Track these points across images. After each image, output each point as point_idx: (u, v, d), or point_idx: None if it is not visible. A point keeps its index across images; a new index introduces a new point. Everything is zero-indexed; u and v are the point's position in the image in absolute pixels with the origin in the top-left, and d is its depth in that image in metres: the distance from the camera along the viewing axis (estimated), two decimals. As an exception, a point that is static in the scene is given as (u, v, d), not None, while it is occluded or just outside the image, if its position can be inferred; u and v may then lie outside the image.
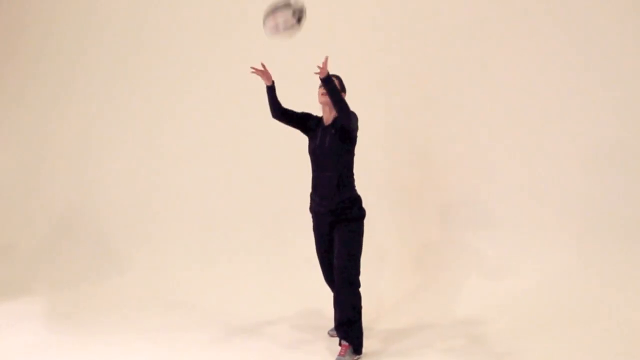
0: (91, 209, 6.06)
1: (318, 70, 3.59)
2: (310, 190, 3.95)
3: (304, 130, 4.01)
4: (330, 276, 3.92)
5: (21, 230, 6.19)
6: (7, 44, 6.57)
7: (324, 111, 3.91)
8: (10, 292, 5.32)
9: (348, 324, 3.73)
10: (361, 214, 3.82)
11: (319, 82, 3.77)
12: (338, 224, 3.79)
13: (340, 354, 3.73)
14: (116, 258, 5.75)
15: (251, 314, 4.68)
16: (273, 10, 3.61)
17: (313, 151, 3.90)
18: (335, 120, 3.82)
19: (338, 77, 3.86)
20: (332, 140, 3.78)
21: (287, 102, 5.40)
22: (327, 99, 3.74)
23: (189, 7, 5.94)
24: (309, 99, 5.35)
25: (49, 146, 6.36)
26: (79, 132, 6.26)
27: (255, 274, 5.26)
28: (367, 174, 4.35)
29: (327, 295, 4.08)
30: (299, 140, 5.40)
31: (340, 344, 3.81)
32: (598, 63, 4.72)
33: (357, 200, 3.84)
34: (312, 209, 3.95)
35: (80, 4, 6.33)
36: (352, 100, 3.86)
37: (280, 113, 3.97)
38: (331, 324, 4.11)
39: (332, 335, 4.15)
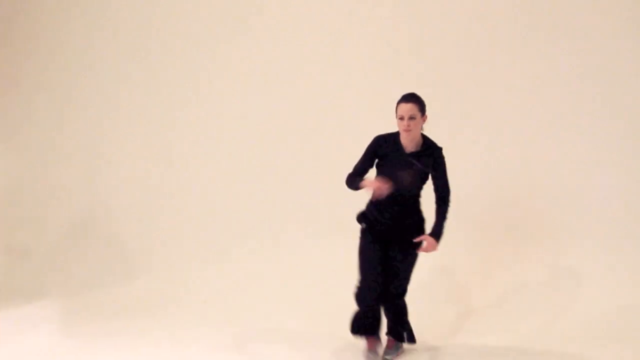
0: (104, 213, 6.04)
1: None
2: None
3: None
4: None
5: (34, 235, 6.17)
6: (17, 49, 6.53)
7: (403, 137, 3.63)
8: (25, 296, 5.30)
9: None
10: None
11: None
12: None
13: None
14: (129, 262, 5.72)
15: (264, 318, 4.65)
16: None
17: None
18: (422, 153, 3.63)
19: (421, 102, 3.63)
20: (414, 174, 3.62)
21: (295, 102, 5.52)
22: (411, 130, 3.56)
23: (196, 14, 5.88)
24: (314, 101, 5.47)
25: (61, 151, 6.32)
26: (91, 137, 6.22)
27: (269, 278, 5.21)
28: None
29: (340, 299, 4.07)
30: (313, 145, 5.42)
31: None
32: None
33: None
34: None
35: (89, 11, 6.27)
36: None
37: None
38: (343, 326, 4.04)
39: None
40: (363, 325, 3.82)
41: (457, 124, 4.99)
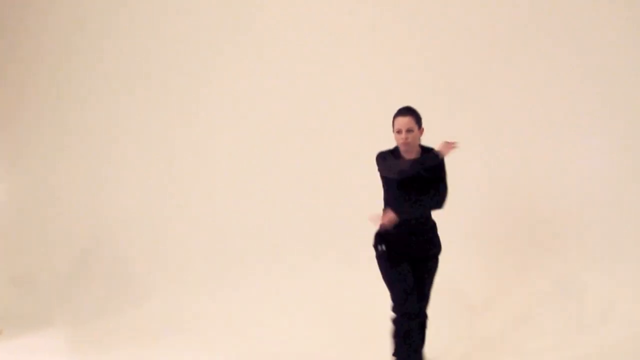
0: (108, 241, 5.99)
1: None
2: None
3: None
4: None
5: (40, 262, 6.13)
6: (20, 69, 6.48)
7: (403, 150, 3.58)
8: (31, 324, 5.28)
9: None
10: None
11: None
12: None
13: None
14: (135, 289, 5.67)
15: (274, 342, 4.63)
16: None
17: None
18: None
19: (417, 115, 3.56)
20: None
21: (300, 105, 5.50)
22: (409, 142, 3.51)
23: (196, 15, 5.84)
24: (319, 100, 5.46)
25: (66, 176, 6.26)
26: (96, 162, 6.17)
27: (276, 301, 5.18)
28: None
29: (348, 319, 4.10)
30: (324, 162, 5.34)
31: None
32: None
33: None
34: None
35: (95, 19, 6.20)
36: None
37: None
38: (352, 347, 4.03)
39: None
40: None
41: (457, 126, 4.94)
